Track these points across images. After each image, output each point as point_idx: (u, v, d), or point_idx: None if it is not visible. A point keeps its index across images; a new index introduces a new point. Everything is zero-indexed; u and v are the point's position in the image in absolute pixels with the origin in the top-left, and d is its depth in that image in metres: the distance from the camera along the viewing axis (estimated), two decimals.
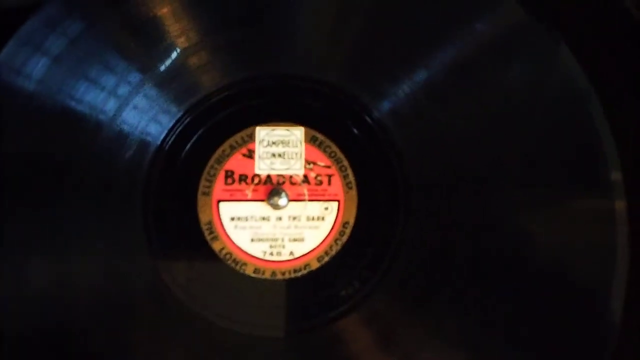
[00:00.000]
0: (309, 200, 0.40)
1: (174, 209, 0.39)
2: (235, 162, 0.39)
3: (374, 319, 0.39)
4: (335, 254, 0.40)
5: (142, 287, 0.38)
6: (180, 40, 0.39)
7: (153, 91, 0.39)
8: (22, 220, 0.37)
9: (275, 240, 0.39)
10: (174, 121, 0.39)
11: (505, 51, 0.39)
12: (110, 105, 0.38)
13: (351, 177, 0.40)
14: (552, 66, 0.39)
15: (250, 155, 0.40)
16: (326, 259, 0.40)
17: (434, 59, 0.39)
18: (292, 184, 0.40)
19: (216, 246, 0.39)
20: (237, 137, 0.40)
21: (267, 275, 0.39)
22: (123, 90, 0.38)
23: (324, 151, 0.40)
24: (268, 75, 0.40)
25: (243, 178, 0.39)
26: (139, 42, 0.38)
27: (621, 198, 0.38)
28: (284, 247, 0.39)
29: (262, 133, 0.40)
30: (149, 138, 0.39)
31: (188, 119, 0.39)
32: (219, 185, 0.39)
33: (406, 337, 0.38)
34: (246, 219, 0.39)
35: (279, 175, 0.40)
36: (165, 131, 0.39)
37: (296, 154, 0.40)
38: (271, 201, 0.39)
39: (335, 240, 0.40)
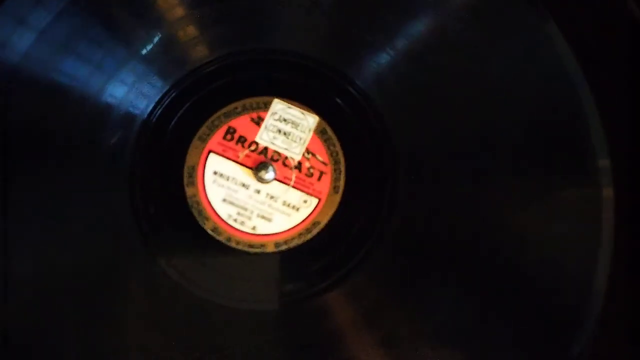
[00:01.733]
0: (293, 187, 0.39)
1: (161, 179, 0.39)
2: (242, 123, 0.39)
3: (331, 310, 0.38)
4: (294, 247, 0.39)
5: (120, 241, 0.39)
6: (166, 15, 0.38)
7: (139, 65, 0.38)
8: (6, 198, 0.37)
9: (245, 210, 0.39)
10: (161, 94, 0.39)
11: (487, 26, 0.38)
12: (97, 79, 0.38)
13: (341, 182, 0.39)
14: (538, 45, 0.38)
15: (258, 122, 0.40)
16: (283, 247, 0.39)
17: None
18: (284, 165, 0.39)
19: (189, 191, 0.39)
20: (253, 100, 0.40)
21: (222, 238, 0.39)
22: (109, 63, 0.38)
23: (327, 147, 0.39)
24: (255, 50, 0.39)
25: (242, 140, 0.39)
26: (126, 16, 0.38)
27: (609, 185, 0.38)
28: (250, 219, 0.39)
29: (278, 106, 0.40)
30: (136, 111, 0.38)
31: (175, 93, 0.39)
32: (217, 137, 0.39)
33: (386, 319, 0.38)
34: (227, 178, 0.39)
35: (275, 152, 0.39)
36: (152, 104, 0.39)
37: (301, 138, 0.39)
38: (258, 172, 0.39)
39: (300, 234, 0.39)
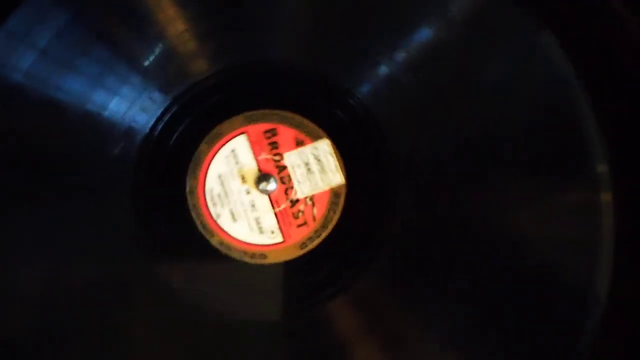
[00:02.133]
0: (275, 213, 0.38)
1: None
2: (287, 133, 0.40)
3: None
4: (235, 261, 0.38)
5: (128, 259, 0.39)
6: (166, 30, 0.38)
7: (140, 80, 0.38)
8: (11, 218, 0.37)
9: (226, 196, 0.39)
10: (162, 109, 0.39)
11: (483, 34, 0.38)
12: (98, 95, 0.38)
13: (312, 245, 0.38)
14: (533, 52, 0.38)
15: (299, 143, 0.39)
16: (223, 249, 0.39)
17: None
18: (285, 192, 0.39)
19: (202, 147, 0.40)
20: (310, 124, 0.40)
21: (190, 202, 0.39)
22: (110, 80, 0.38)
23: (328, 209, 0.38)
24: (253, 63, 0.39)
25: (274, 145, 0.39)
26: (126, 32, 0.38)
27: (607, 189, 0.37)
28: (222, 207, 0.39)
29: (324, 146, 0.39)
30: (137, 126, 0.39)
31: (175, 108, 0.39)
32: (260, 128, 0.40)
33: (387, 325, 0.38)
34: (237, 162, 0.39)
35: (288, 176, 0.39)
36: (154, 119, 0.39)
37: (317, 185, 0.39)
38: (260, 180, 0.39)
39: (243, 252, 0.38)
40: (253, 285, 0.38)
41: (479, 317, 0.37)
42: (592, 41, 0.39)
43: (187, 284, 0.37)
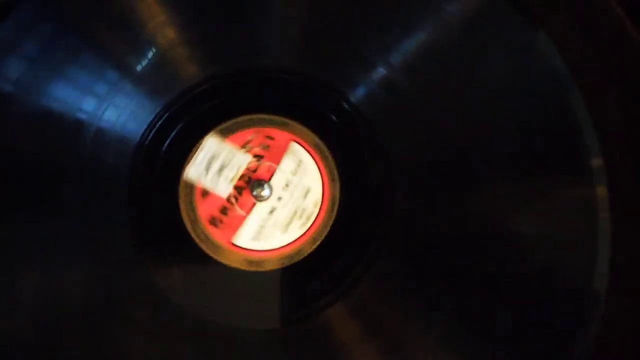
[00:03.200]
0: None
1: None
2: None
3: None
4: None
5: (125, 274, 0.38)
6: (156, 36, 0.38)
7: (132, 88, 0.38)
8: (4, 228, 0.37)
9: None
10: (153, 116, 0.39)
11: (478, 36, 0.39)
12: (89, 103, 0.38)
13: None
14: (529, 52, 0.38)
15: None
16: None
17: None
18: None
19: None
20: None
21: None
22: (101, 87, 0.38)
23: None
24: (246, 68, 0.40)
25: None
26: (115, 40, 0.38)
27: (603, 184, 0.38)
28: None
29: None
30: (129, 134, 0.38)
31: (166, 115, 0.39)
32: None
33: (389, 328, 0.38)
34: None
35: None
36: (145, 126, 0.39)
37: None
38: (254, 187, 0.39)
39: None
40: (250, 292, 0.38)
41: (477, 318, 0.37)
42: (586, 41, 0.38)
43: (182, 292, 0.37)
